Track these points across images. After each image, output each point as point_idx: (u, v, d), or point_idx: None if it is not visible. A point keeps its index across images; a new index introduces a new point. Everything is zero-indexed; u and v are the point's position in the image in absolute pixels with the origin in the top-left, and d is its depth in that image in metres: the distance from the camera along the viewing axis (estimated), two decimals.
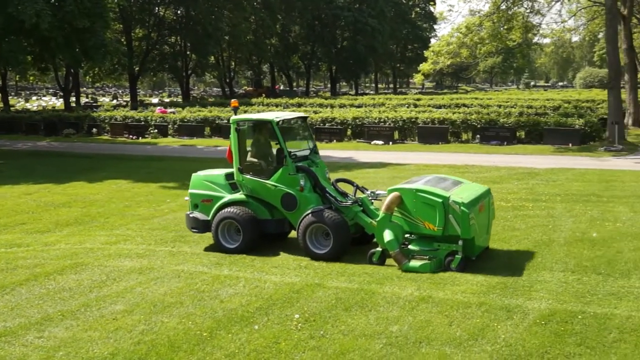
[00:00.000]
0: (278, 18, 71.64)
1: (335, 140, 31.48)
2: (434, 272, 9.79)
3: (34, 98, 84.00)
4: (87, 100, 74.88)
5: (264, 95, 59.80)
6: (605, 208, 14.44)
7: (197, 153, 28.58)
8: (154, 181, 20.41)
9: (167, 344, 7.48)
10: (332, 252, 10.81)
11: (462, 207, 9.75)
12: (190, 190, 12.32)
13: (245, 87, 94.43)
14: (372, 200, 11.46)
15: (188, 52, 64.54)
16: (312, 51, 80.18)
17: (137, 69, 59.46)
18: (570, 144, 27.32)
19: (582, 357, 6.87)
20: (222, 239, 11.59)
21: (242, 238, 11.43)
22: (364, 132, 31.92)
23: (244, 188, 11.68)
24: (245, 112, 32.76)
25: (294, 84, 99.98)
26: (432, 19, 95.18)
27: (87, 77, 58.20)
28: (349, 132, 32.67)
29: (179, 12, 63.38)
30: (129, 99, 64.99)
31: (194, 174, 12.46)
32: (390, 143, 30.51)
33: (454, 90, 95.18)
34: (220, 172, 12.32)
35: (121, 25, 57.53)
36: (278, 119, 11.36)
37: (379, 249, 10.58)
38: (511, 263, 10.29)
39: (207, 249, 11.89)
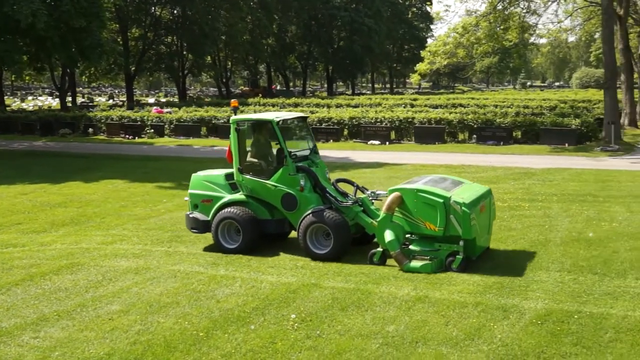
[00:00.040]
0: (275, 18, 71.59)
1: (331, 140, 31.48)
2: (435, 273, 9.78)
3: (30, 98, 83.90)
4: (83, 100, 74.74)
5: (260, 95, 59.75)
6: (601, 208, 14.46)
7: (194, 153, 28.56)
8: (150, 181, 20.39)
9: (163, 344, 7.47)
10: (332, 253, 10.78)
11: (463, 208, 9.73)
12: (190, 191, 12.29)
13: (242, 87, 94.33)
14: (373, 200, 11.44)
15: (184, 52, 64.46)
16: (309, 51, 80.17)
17: (133, 68, 59.36)
18: (566, 144, 27.36)
19: (578, 357, 6.87)
20: (222, 239, 11.57)
21: (242, 238, 11.40)
22: (360, 132, 31.93)
23: (244, 188, 11.65)
24: (241, 112, 32.72)
25: (291, 84, 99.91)
26: (428, 19, 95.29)
27: (83, 77, 57.99)
28: (345, 132, 32.68)
29: (175, 11, 63.30)
30: (125, 99, 64.91)
31: (193, 174, 12.43)
32: (387, 143, 30.52)
33: (451, 90, 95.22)
34: (220, 172, 12.29)
35: (117, 25, 57.41)
36: (278, 119, 11.34)
37: (379, 249, 10.56)
38: (507, 263, 10.30)
39: (203, 249, 11.88)
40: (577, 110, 34.96)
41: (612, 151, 25.65)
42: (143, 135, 35.73)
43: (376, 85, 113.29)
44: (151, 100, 76.27)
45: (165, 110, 41.89)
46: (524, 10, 34.34)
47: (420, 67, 38.29)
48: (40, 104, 70.93)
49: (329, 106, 42.25)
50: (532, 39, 43.80)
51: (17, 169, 24.11)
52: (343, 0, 76.63)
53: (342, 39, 78.11)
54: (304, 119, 12.56)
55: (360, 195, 11.49)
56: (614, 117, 28.56)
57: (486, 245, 10.86)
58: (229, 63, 78.72)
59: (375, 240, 10.86)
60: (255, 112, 33.48)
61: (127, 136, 36.05)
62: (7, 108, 55.69)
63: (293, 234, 11.76)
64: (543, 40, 58.30)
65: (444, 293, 8.85)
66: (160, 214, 15.40)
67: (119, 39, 57.64)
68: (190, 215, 12.10)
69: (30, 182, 20.58)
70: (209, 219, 11.78)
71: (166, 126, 36.38)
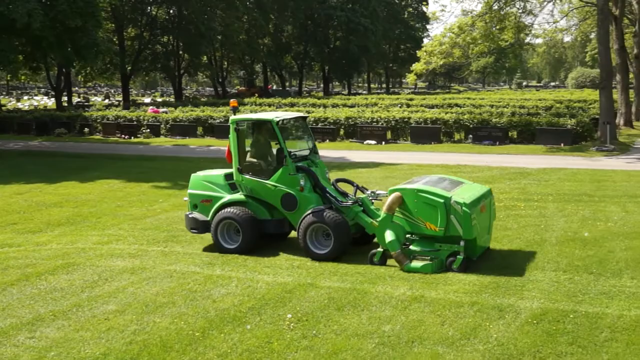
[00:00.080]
0: (271, 18, 71.54)
1: (328, 140, 31.47)
2: (436, 273, 9.78)
3: (26, 97, 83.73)
4: (79, 99, 74.55)
5: (256, 95, 59.72)
6: (596, 208, 14.50)
7: (190, 153, 28.53)
8: (146, 181, 20.36)
9: (159, 344, 7.46)
10: (332, 252, 10.77)
11: (464, 208, 9.72)
12: (189, 191, 12.26)
13: (238, 87, 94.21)
14: (372, 200, 11.43)
15: (180, 52, 64.37)
16: (305, 51, 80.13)
17: (129, 68, 59.27)
18: (562, 144, 27.42)
19: (574, 356, 6.89)
20: (222, 239, 11.54)
21: (241, 238, 11.38)
22: (356, 132, 31.94)
23: (243, 188, 11.62)
24: (238, 112, 32.67)
25: (287, 83, 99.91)
26: (424, 19, 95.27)
27: (79, 76, 57.99)
28: (341, 132, 32.69)
29: (171, 11, 63.24)
30: (121, 99, 64.80)
31: (193, 174, 12.40)
32: (383, 143, 30.54)
33: (447, 90, 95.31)
34: (219, 172, 12.26)
35: (113, 25, 57.33)
36: (278, 119, 11.31)
37: (380, 249, 10.56)
38: (503, 263, 10.32)
39: (199, 249, 11.87)
40: (572, 110, 35.08)
41: (607, 151, 25.71)
42: (139, 135, 35.69)
43: (372, 85, 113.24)
44: (147, 100, 76.23)
45: (161, 110, 41.85)
46: (520, 11, 34.42)
47: (416, 67, 38.31)
48: (36, 103, 70.81)
49: (325, 106, 42.26)
50: (527, 39, 44.03)
51: (12, 168, 24.05)
52: (339, 0, 76.61)
53: (339, 38, 78.08)
54: (303, 118, 12.54)
55: (360, 195, 11.47)
56: (610, 117, 28.62)
57: (486, 246, 10.86)
58: (225, 63, 78.66)
59: (375, 240, 10.86)
60: (251, 112, 33.48)
61: (123, 136, 36.00)
62: (3, 108, 55.63)
63: (293, 234, 11.75)
64: (539, 40, 58.42)
65: (439, 293, 8.87)
66: (156, 213, 15.38)
67: (114, 39, 57.54)
68: (190, 216, 12.07)
69: (25, 182, 20.54)
70: (208, 219, 11.76)
71: (162, 126, 36.34)
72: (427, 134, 30.31)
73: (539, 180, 18.70)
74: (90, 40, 32.82)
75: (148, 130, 35.91)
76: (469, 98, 50.22)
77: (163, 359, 7.13)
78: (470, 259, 10.09)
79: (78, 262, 11.00)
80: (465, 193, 10.23)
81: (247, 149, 11.88)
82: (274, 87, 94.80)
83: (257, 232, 11.44)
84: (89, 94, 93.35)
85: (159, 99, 76.37)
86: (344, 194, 11.51)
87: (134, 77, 69.39)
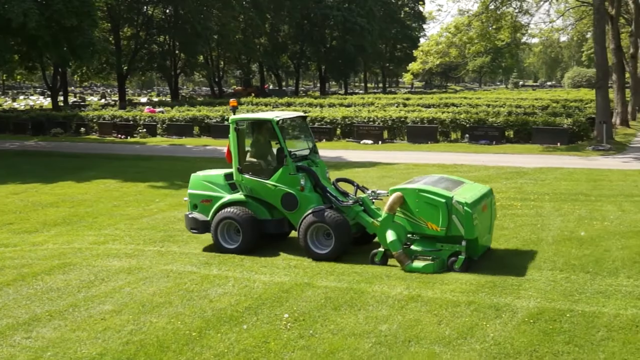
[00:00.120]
0: (267, 17, 71.54)
1: (324, 140, 31.44)
2: (438, 273, 9.77)
3: (22, 97, 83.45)
4: (75, 99, 74.44)
5: (253, 94, 59.71)
6: (593, 207, 14.52)
7: (186, 152, 28.50)
8: (143, 181, 20.33)
9: (156, 344, 7.45)
10: (333, 252, 10.76)
11: (465, 207, 9.71)
12: (189, 191, 12.24)
13: (235, 87, 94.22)
14: (373, 200, 11.43)
15: (177, 51, 64.33)
16: (301, 50, 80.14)
17: (125, 68, 59.17)
18: (558, 144, 27.45)
19: (571, 355, 6.90)
20: (222, 239, 11.52)
21: (241, 238, 11.35)
22: (353, 131, 31.94)
23: (243, 188, 11.60)
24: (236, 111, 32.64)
25: (283, 83, 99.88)
26: (421, 18, 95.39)
27: (75, 76, 57.83)
28: (338, 131, 32.69)
29: (167, 11, 63.16)
30: (117, 98, 64.70)
31: (193, 174, 12.38)
32: (380, 142, 30.54)
33: (443, 90, 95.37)
34: (219, 172, 12.24)
35: (109, 24, 57.22)
36: (278, 118, 11.29)
37: (381, 249, 10.55)
38: (500, 262, 10.32)
39: (196, 249, 11.86)
40: (569, 110, 35.13)
41: (603, 150, 25.75)
42: (135, 135, 35.63)
43: (369, 85, 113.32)
44: (143, 99, 76.07)
45: (157, 109, 41.76)
46: (516, 10, 34.49)
47: (413, 66, 38.30)
48: (31, 103, 70.57)
49: (321, 105, 42.27)
50: (524, 39, 44.07)
51: (8, 168, 23.99)
52: (335, 0, 76.64)
53: (335, 38, 78.11)
54: (303, 118, 12.53)
55: (360, 194, 11.45)
56: (606, 116, 28.68)
57: (488, 245, 10.85)
58: (222, 62, 78.64)
59: (376, 240, 10.85)
60: (247, 111, 33.45)
61: (119, 136, 35.94)
62: None
63: (293, 233, 11.73)
64: (535, 40, 58.58)
65: (436, 292, 8.87)
66: (153, 213, 15.36)
67: (110, 38, 57.46)
68: (190, 216, 12.05)
69: (22, 182, 20.49)
70: (208, 219, 11.74)
71: (158, 126, 36.28)
72: (423, 133, 30.32)
73: (536, 179, 18.73)
74: (86, 39, 32.77)
75: (144, 130, 35.84)
76: (465, 97, 50.28)
77: (160, 359, 7.12)
78: (472, 258, 10.09)
79: (74, 262, 10.98)
80: (466, 193, 10.22)
81: (247, 148, 11.86)
82: (271, 87, 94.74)
83: (258, 232, 11.42)
84: (85, 94, 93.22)
85: (155, 99, 76.23)
86: (345, 194, 11.48)
87: (130, 76, 69.26)
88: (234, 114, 12.21)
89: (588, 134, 29.04)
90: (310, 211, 10.89)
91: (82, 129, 37.72)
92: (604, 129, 27.28)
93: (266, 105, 43.39)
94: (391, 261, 10.42)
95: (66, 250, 11.99)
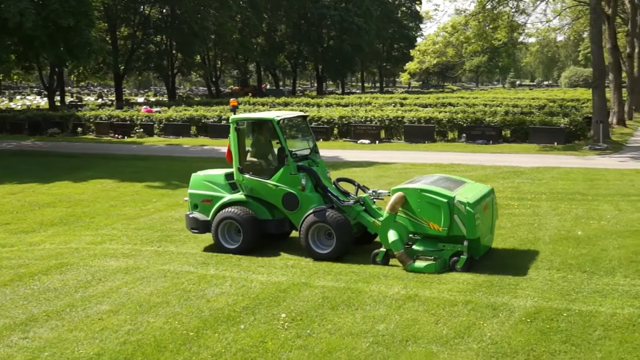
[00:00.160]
0: (264, 17, 71.51)
1: (321, 140, 31.37)
2: (439, 273, 9.77)
3: (18, 97, 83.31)
4: (71, 99, 74.32)
5: (250, 94, 59.67)
6: (590, 206, 14.54)
7: (183, 152, 28.48)
8: (140, 181, 20.31)
9: (153, 343, 7.44)
10: (335, 252, 10.74)
11: (467, 207, 9.70)
12: (189, 191, 12.22)
13: (232, 86, 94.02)
14: (374, 200, 11.42)
15: (174, 51, 64.26)
16: (299, 50, 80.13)
17: (122, 68, 59.11)
18: (555, 143, 27.49)
19: (568, 354, 6.91)
20: (222, 239, 11.50)
21: (242, 238, 11.34)
22: (350, 131, 31.94)
23: (244, 188, 11.58)
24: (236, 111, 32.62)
25: (281, 83, 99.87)
26: (418, 18, 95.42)
27: (72, 76, 57.76)
28: (335, 131, 32.67)
29: (164, 10, 63.12)
30: (114, 98, 64.62)
31: (193, 174, 12.37)
32: (377, 142, 30.55)
33: (440, 90, 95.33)
34: (220, 172, 12.22)
35: (106, 24, 57.17)
36: (279, 118, 11.27)
37: (382, 249, 10.54)
38: (497, 261, 10.34)
39: (193, 249, 11.85)
40: (565, 109, 35.19)
41: (600, 150, 25.80)
42: (132, 135, 35.60)
43: (366, 85, 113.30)
44: (140, 99, 75.99)
45: (154, 109, 41.73)
46: (513, 10, 34.50)
47: (410, 66, 38.30)
48: (28, 103, 70.47)
49: (318, 105, 42.26)
50: (521, 38, 44.13)
51: (5, 168, 23.94)
52: (333, 0, 76.66)
53: (332, 38, 78.12)
54: (304, 118, 12.51)
55: (361, 194, 11.44)
56: (603, 116, 28.71)
57: (489, 245, 10.85)
58: (219, 62, 78.55)
59: (377, 239, 10.84)
60: (245, 111, 33.42)
61: (116, 135, 35.90)
62: None
63: (294, 233, 11.72)
64: (532, 40, 58.71)
65: (433, 292, 8.88)
66: (150, 213, 15.34)
67: (107, 38, 57.38)
68: (190, 216, 12.03)
69: (18, 182, 20.46)
70: (209, 219, 11.73)
71: (155, 125, 36.24)
72: (420, 133, 30.33)
73: (533, 179, 18.75)
74: (83, 39, 32.72)
75: (141, 129, 35.81)
76: (462, 97, 50.34)
77: (157, 359, 7.12)
78: (473, 258, 10.09)
79: (71, 262, 10.97)
80: (468, 192, 10.21)
81: (248, 148, 11.85)
82: (268, 87, 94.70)
83: (258, 232, 11.40)
84: (82, 94, 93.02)
85: (152, 99, 76.20)
86: (346, 193, 11.47)
87: (127, 76, 69.26)
88: (234, 114, 12.20)
89: (585, 134, 29.08)
90: (311, 211, 10.87)
91: (79, 129, 37.64)
92: (600, 128, 27.32)
93: (264, 105, 43.34)
94: (391, 261, 10.42)
95: (63, 250, 11.97)
